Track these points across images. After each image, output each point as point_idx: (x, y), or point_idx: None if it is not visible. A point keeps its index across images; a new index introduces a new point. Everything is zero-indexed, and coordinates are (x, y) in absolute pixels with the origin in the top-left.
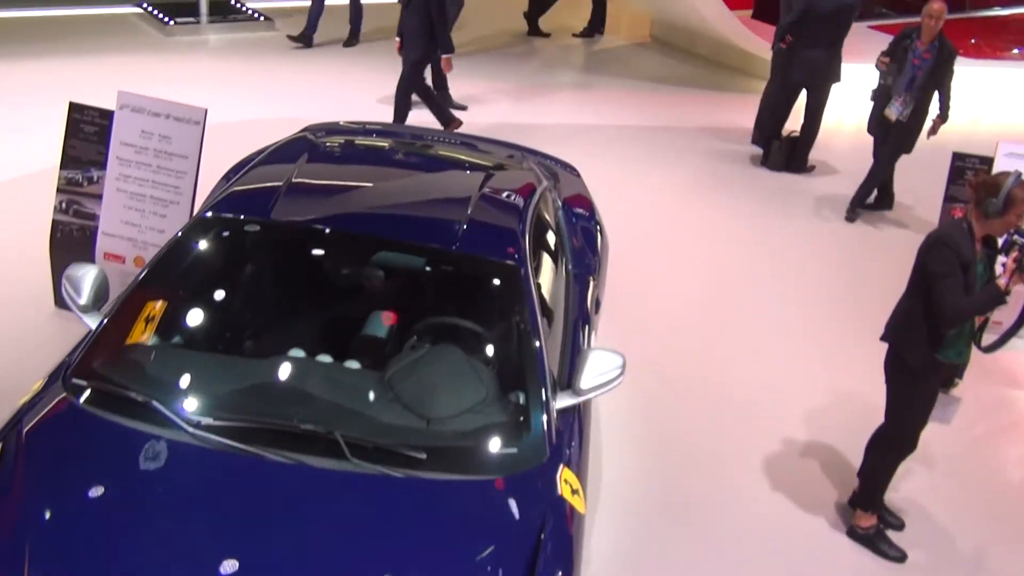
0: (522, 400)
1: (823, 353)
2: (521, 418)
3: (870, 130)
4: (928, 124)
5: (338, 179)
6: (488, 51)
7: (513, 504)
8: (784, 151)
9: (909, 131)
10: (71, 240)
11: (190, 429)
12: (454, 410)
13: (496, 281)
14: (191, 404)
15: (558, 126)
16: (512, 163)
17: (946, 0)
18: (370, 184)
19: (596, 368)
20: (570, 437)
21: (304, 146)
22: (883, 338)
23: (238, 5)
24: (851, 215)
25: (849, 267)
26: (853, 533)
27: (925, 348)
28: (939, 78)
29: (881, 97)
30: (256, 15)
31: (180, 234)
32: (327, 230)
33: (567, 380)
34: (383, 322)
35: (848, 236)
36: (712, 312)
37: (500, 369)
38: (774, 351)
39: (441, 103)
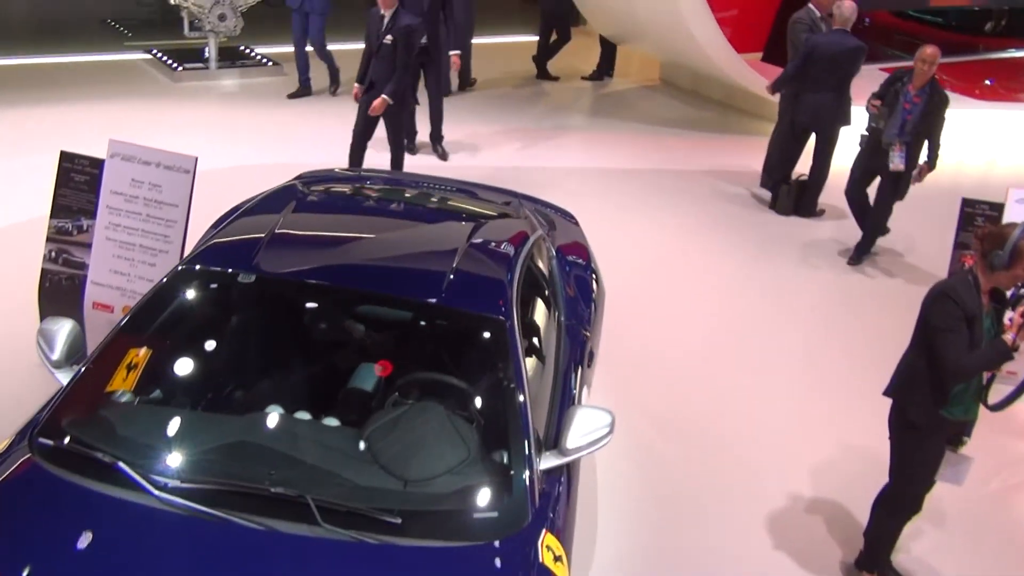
0: (504, 460)
1: (829, 405)
2: (502, 480)
3: (854, 174)
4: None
5: (323, 230)
6: (496, 94)
7: (492, 572)
8: (793, 195)
9: (901, 177)
10: (60, 289)
11: (155, 492)
12: (433, 471)
13: (482, 335)
14: (159, 465)
15: (563, 169)
16: (507, 210)
17: (960, 41)
18: (355, 235)
19: (583, 427)
20: (555, 499)
21: (291, 195)
22: (886, 393)
23: (247, 51)
24: (855, 261)
25: (857, 316)
26: None
27: (929, 405)
28: (929, 124)
29: (871, 140)
30: (265, 60)
31: (159, 286)
32: (308, 283)
33: (554, 439)
34: (373, 374)
35: (855, 284)
36: (714, 361)
37: (484, 427)
38: (778, 403)
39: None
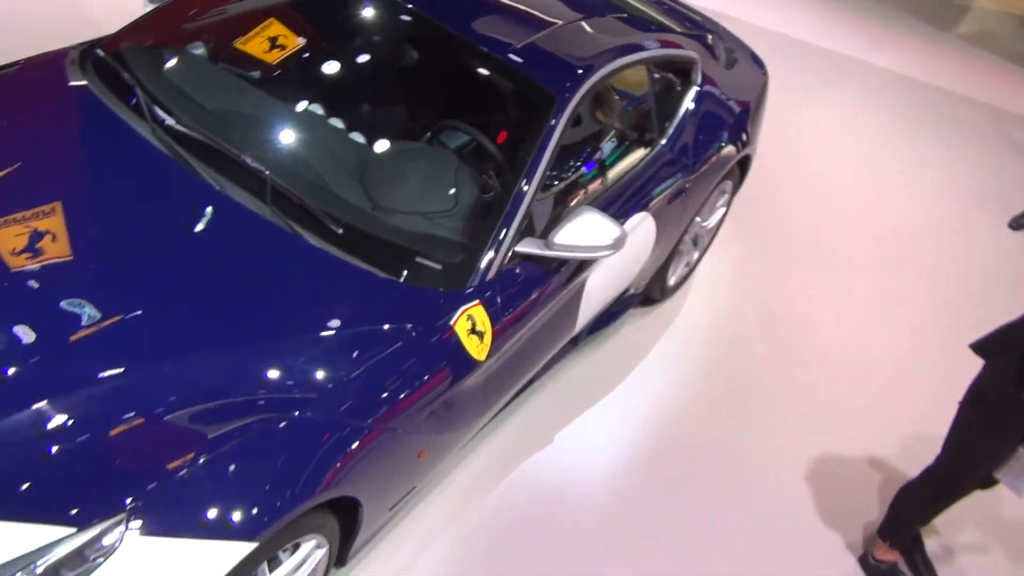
0: (476, 228)
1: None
2: (463, 243)
3: None
4: None
5: None
6: None
7: (396, 308)
8: None
9: None
10: None
11: (149, 124)
12: (408, 207)
13: (531, 109)
14: (170, 103)
15: (818, 49)
16: (669, 24)
17: None
18: None
19: (582, 228)
20: (517, 284)
21: None
22: (972, 346)
23: None
24: None
25: None
26: (865, 561)
27: (1010, 382)
28: None
29: None
30: None
31: None
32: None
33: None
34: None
35: None
36: (854, 278)
37: (481, 194)
38: (896, 353)
39: None
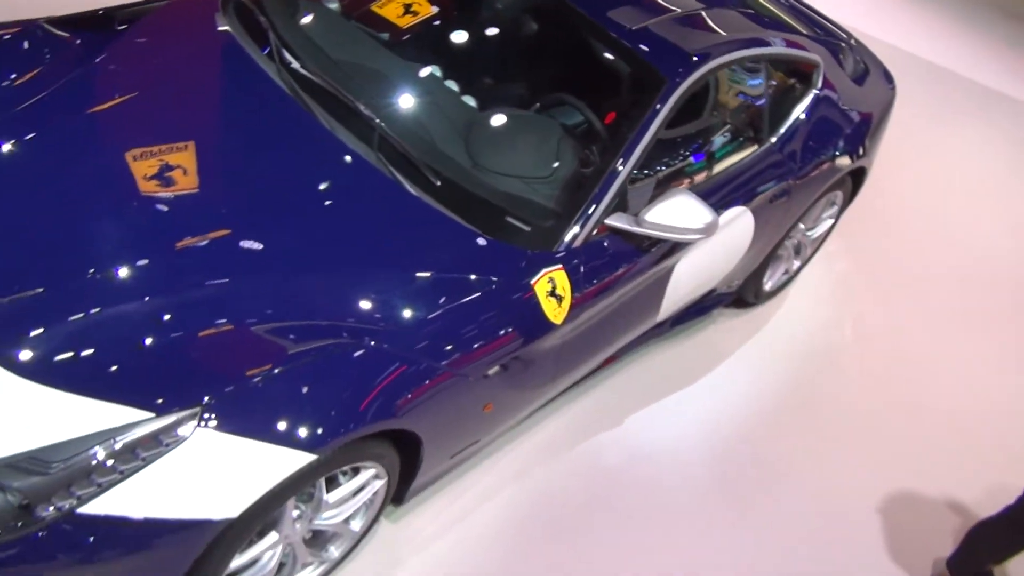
0: (570, 196)
1: None
2: (555, 209)
3: None
4: None
5: None
6: None
7: (482, 261)
8: None
9: None
10: None
11: (277, 66)
12: (507, 170)
13: (640, 89)
14: (299, 50)
15: (959, 77)
16: (799, 27)
17: None
18: None
19: (674, 209)
20: (603, 256)
21: None
22: None
23: None
24: None
25: None
26: None
27: None
28: None
29: None
30: None
31: None
32: None
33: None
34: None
35: None
36: (972, 301)
37: (580, 167)
38: (995, 400)
39: None
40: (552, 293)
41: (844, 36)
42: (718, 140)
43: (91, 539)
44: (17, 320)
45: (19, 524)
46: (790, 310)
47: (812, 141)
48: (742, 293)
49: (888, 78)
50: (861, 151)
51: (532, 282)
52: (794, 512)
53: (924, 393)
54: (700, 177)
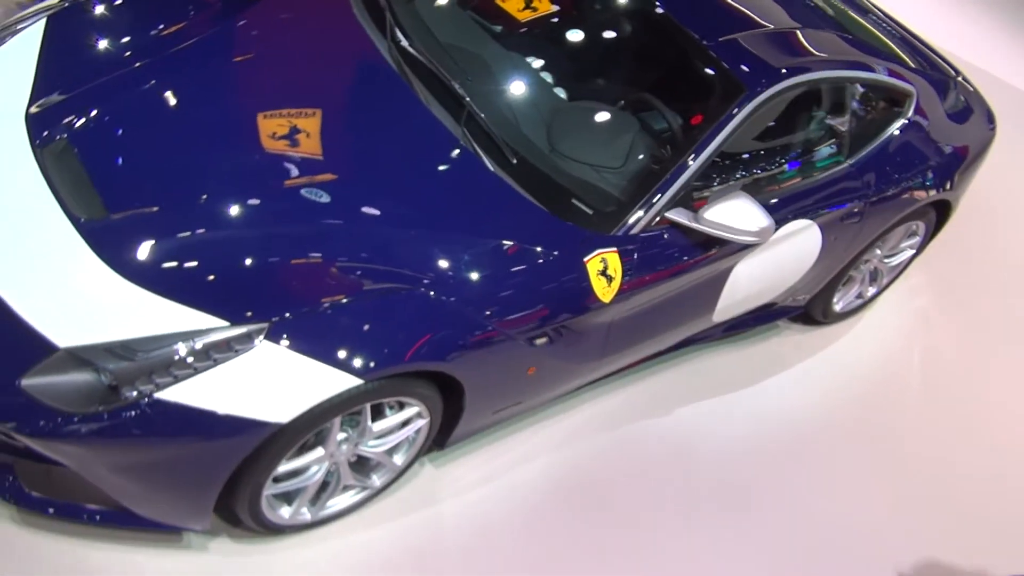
0: (635, 187)
1: None
2: (618, 197)
3: None
4: None
5: None
6: None
7: (545, 234)
8: None
9: None
10: None
11: (388, 42)
12: (580, 157)
13: (717, 94)
14: (410, 30)
15: None
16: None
17: None
18: None
19: (732, 210)
20: (657, 246)
21: None
22: None
23: None
24: None
25: None
26: None
27: None
28: None
29: None
30: None
31: None
32: None
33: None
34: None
35: None
36: None
37: (651, 164)
38: None
39: None
40: (603, 272)
41: (951, 72)
42: (795, 152)
43: (162, 421)
44: (131, 231)
45: (107, 400)
46: (859, 335)
47: (893, 167)
48: (810, 309)
49: (990, 119)
50: (948, 185)
51: (585, 260)
52: (817, 543)
53: (985, 446)
54: (771, 185)
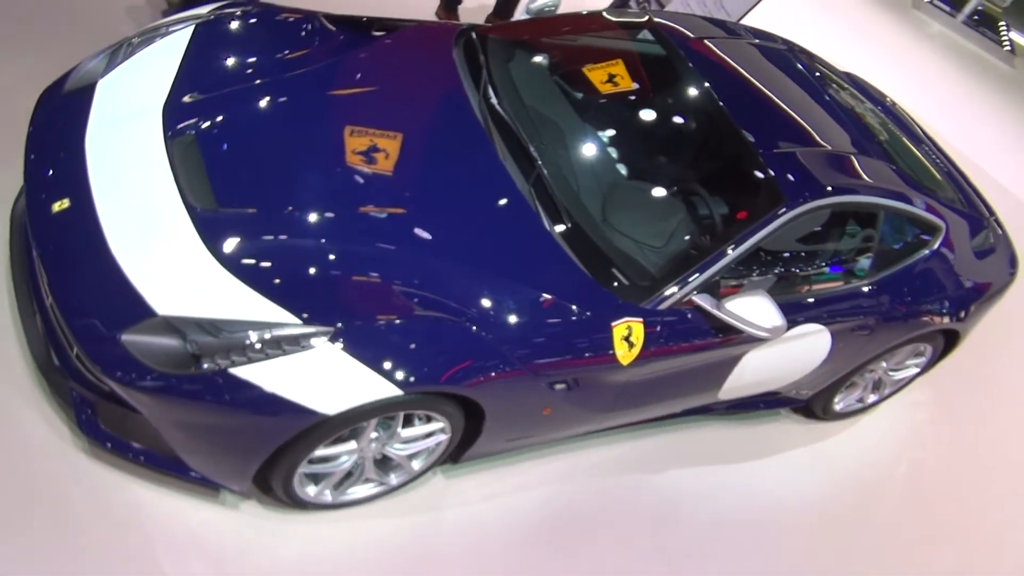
0: (672, 267)
1: None
2: (655, 273)
3: None
4: None
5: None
6: None
7: (582, 294)
8: None
9: None
10: None
11: (478, 96)
12: (627, 231)
13: (762, 199)
14: (500, 88)
15: None
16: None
17: None
18: (774, 82)
19: (751, 305)
20: (681, 324)
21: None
22: None
23: (1003, 26)
24: None
25: None
26: None
27: None
28: None
29: None
30: (1008, 45)
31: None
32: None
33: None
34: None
35: None
36: None
37: (690, 249)
38: None
39: None
40: (627, 338)
41: (985, 213)
42: (822, 261)
43: (230, 393)
44: (232, 226)
45: (188, 366)
46: (853, 437)
47: (911, 291)
48: (811, 404)
49: (1012, 263)
50: (962, 315)
51: (613, 324)
52: None
53: (958, 568)
54: (794, 286)
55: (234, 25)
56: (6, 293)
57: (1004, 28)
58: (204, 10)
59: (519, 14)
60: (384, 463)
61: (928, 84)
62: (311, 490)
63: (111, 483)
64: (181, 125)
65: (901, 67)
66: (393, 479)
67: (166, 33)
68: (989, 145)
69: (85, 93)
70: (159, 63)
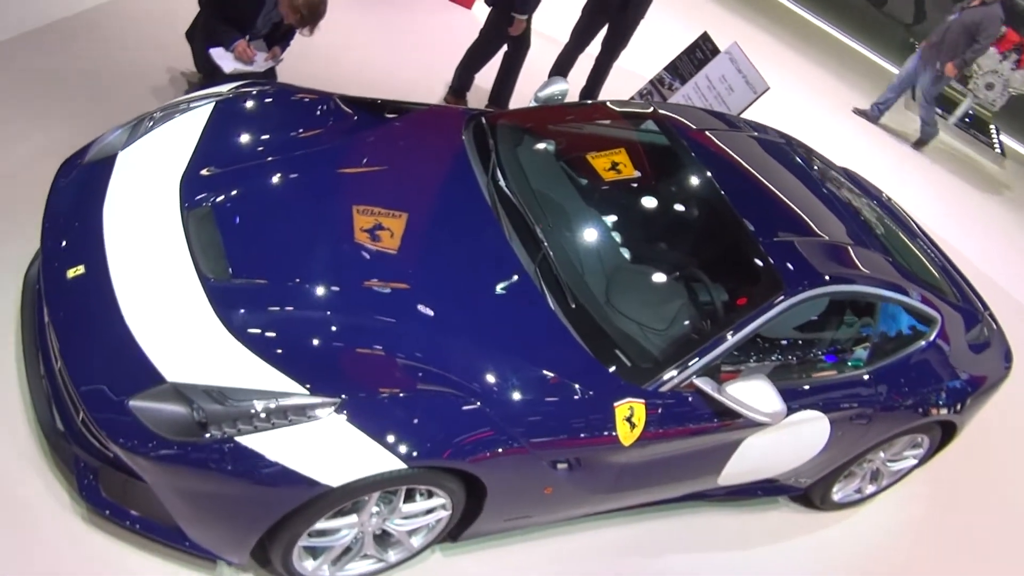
0: (674, 350)
1: None
2: (657, 356)
3: None
4: None
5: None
6: None
7: (584, 375)
8: None
9: None
10: None
11: (487, 179)
12: (631, 314)
13: (761, 288)
14: (508, 171)
15: None
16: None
17: None
18: (769, 171)
19: (751, 390)
20: (683, 407)
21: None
22: None
23: (992, 129)
24: None
25: None
26: None
27: None
28: None
29: None
30: (998, 146)
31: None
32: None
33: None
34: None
35: None
36: None
37: (691, 332)
38: None
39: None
40: (628, 419)
41: (979, 307)
42: (824, 350)
43: (234, 461)
44: (242, 296)
45: (194, 434)
46: (849, 528)
47: (907, 381)
48: (809, 493)
49: (1007, 358)
50: (959, 407)
51: (615, 404)
52: None
53: None
54: (794, 373)
55: (252, 104)
56: (15, 359)
57: (994, 131)
58: (224, 88)
59: (526, 101)
60: (383, 539)
61: (920, 182)
62: (309, 564)
63: (108, 551)
64: (198, 197)
65: (895, 165)
66: (392, 556)
67: (187, 109)
68: (979, 241)
69: (105, 164)
70: (179, 137)
